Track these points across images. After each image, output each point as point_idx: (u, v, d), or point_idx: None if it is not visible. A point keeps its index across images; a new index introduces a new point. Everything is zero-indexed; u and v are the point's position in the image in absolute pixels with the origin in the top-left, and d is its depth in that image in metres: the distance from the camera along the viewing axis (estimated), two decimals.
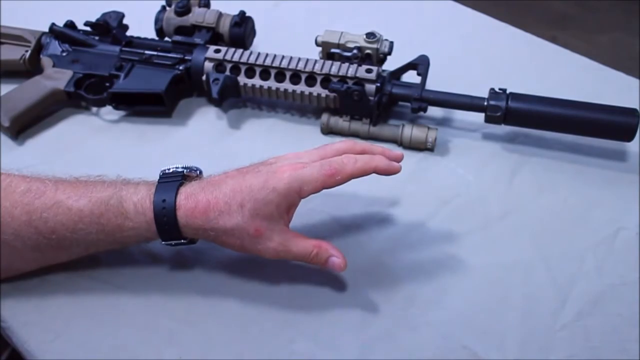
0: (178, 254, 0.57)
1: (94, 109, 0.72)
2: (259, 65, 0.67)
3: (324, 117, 0.67)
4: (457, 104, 0.65)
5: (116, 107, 0.70)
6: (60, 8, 0.80)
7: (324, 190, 0.62)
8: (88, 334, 0.51)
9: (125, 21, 0.74)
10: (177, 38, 0.71)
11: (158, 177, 0.51)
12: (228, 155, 0.66)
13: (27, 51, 0.73)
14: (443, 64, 0.70)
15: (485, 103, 0.63)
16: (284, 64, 0.66)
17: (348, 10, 0.87)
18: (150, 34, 0.74)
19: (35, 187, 0.49)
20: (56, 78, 0.70)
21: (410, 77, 0.68)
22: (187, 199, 0.49)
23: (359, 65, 0.65)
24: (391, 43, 0.68)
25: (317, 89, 0.66)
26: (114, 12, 0.74)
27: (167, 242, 0.50)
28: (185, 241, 0.50)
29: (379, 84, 0.64)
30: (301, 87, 0.66)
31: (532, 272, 0.55)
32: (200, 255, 0.57)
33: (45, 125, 0.70)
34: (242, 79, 0.67)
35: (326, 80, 0.65)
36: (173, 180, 0.50)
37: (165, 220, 0.48)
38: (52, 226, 0.48)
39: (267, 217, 0.48)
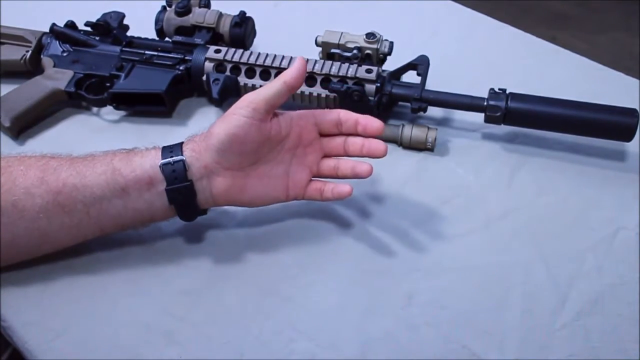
0: (178, 256, 0.57)
1: (95, 109, 0.72)
2: (259, 66, 0.67)
3: None
4: (457, 104, 0.65)
5: (117, 107, 0.70)
6: (61, 8, 0.80)
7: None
8: (88, 334, 0.51)
9: (125, 21, 0.74)
10: (178, 38, 0.72)
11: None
12: None
13: (27, 51, 0.73)
14: (443, 64, 0.70)
15: (485, 103, 0.63)
16: (284, 64, 0.66)
17: (348, 10, 0.87)
18: (151, 34, 0.74)
19: (50, 155, 0.53)
20: (57, 78, 0.70)
21: (410, 77, 0.68)
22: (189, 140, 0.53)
23: (359, 65, 0.65)
24: (391, 43, 0.68)
25: (317, 89, 0.66)
26: (114, 12, 0.74)
27: (166, 169, 0.51)
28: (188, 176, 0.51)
29: (378, 84, 0.64)
30: (301, 87, 0.66)
31: (532, 271, 0.55)
32: (200, 256, 0.57)
33: (45, 126, 0.70)
34: (242, 79, 0.67)
35: (326, 81, 0.65)
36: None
37: (171, 150, 0.52)
38: (63, 179, 0.50)
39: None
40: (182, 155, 0.51)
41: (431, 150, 0.66)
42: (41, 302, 0.53)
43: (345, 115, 0.54)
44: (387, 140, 0.67)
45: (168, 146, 0.53)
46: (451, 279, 0.55)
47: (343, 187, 0.54)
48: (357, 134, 0.54)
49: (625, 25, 1.90)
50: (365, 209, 0.61)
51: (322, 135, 0.56)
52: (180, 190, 0.51)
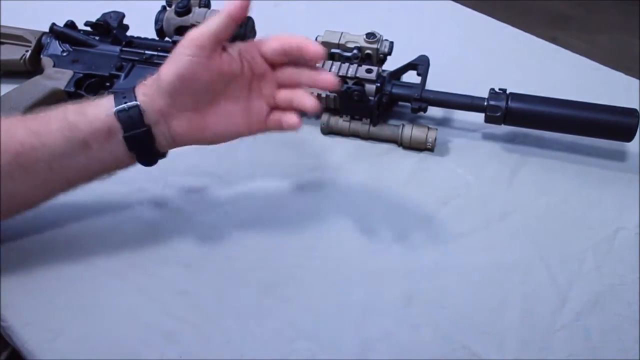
0: (178, 256, 0.57)
1: None
2: None
3: (324, 117, 0.68)
4: (457, 104, 0.65)
5: None
6: (61, 8, 0.80)
7: (324, 191, 0.63)
8: (88, 334, 0.51)
9: (125, 21, 0.74)
10: (178, 38, 0.71)
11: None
12: (228, 156, 0.66)
13: (27, 51, 0.73)
14: (443, 64, 0.70)
15: (485, 103, 0.63)
16: None
17: (348, 10, 0.87)
18: (151, 34, 0.74)
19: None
20: (56, 78, 0.70)
21: (410, 77, 0.68)
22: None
23: (359, 65, 0.65)
24: (391, 43, 0.68)
25: (317, 89, 0.66)
26: (114, 12, 0.74)
27: (122, 116, 0.49)
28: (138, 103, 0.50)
29: (379, 84, 0.64)
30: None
31: (532, 272, 0.55)
32: (200, 256, 0.57)
33: None
34: None
35: None
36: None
37: (124, 95, 0.50)
38: (20, 140, 0.49)
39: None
40: (135, 100, 0.50)
41: (431, 150, 0.66)
42: (41, 303, 0.53)
43: (287, 41, 0.51)
44: (387, 140, 0.67)
45: (121, 91, 0.51)
46: (451, 279, 0.55)
47: (290, 117, 0.52)
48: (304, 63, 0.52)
49: (625, 25, 1.90)
50: (365, 208, 0.61)
51: (272, 65, 0.53)
52: (139, 136, 0.50)
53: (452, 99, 0.65)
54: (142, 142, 0.51)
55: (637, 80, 0.74)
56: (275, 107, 0.53)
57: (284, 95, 0.53)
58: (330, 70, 0.65)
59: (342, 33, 0.68)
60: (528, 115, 0.63)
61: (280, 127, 0.53)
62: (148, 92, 0.51)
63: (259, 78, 0.53)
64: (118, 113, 0.50)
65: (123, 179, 0.55)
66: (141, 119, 0.50)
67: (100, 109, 0.50)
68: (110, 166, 0.52)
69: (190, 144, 0.53)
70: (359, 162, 0.66)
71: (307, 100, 0.52)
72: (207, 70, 0.49)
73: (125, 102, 0.50)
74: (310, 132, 0.69)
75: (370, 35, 0.66)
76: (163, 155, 0.54)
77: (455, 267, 0.56)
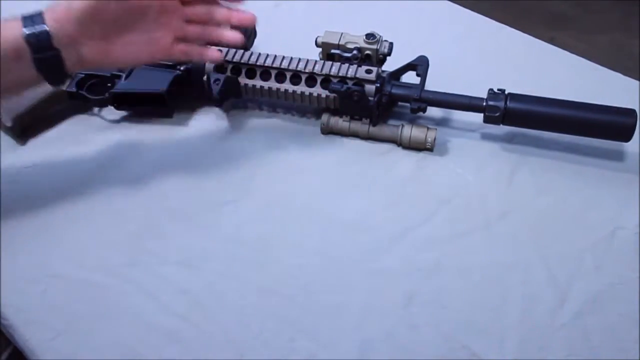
0: (179, 255, 0.57)
1: (96, 109, 0.72)
2: (259, 66, 0.67)
3: (324, 117, 0.68)
4: (456, 104, 0.65)
5: (118, 108, 0.70)
6: None
7: (324, 191, 0.63)
8: (89, 333, 0.51)
9: None
10: None
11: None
12: (228, 156, 0.67)
13: None
14: (442, 65, 0.70)
15: (484, 103, 0.64)
16: (285, 64, 0.66)
17: (348, 10, 0.87)
18: None
19: None
20: None
21: (410, 77, 0.68)
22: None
23: (359, 65, 0.65)
24: (391, 44, 0.68)
25: (317, 90, 0.66)
26: None
27: (31, 39, 0.51)
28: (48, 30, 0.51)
29: (378, 85, 0.64)
30: (301, 88, 0.66)
31: (531, 271, 0.56)
32: (200, 256, 0.57)
33: (47, 125, 0.70)
34: (242, 80, 0.67)
35: (326, 81, 0.65)
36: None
37: (32, 20, 0.51)
38: None
39: None
40: (44, 24, 0.51)
41: (430, 150, 0.67)
42: (42, 301, 0.53)
43: None
44: (386, 140, 0.67)
45: (29, 16, 0.52)
46: (451, 279, 0.55)
47: (214, 52, 0.60)
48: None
49: (624, 26, 1.90)
50: (365, 209, 0.61)
51: (184, 2, 0.57)
52: (48, 59, 0.52)
53: (451, 99, 0.65)
54: (50, 64, 0.52)
55: (635, 81, 0.75)
56: (182, 39, 0.58)
57: (194, 29, 0.59)
58: (330, 71, 0.65)
59: (341, 33, 0.68)
60: (526, 116, 0.63)
61: (187, 57, 0.60)
62: (58, 17, 0.52)
63: (169, 12, 0.56)
64: (27, 37, 0.51)
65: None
66: (50, 42, 0.51)
67: (9, 32, 0.51)
68: (16, 86, 0.54)
69: (95, 67, 0.56)
70: (359, 162, 0.66)
71: (230, 35, 0.59)
72: (117, 2, 0.52)
73: (34, 26, 0.51)
74: (310, 132, 0.69)
75: (370, 36, 0.67)
76: (69, 76, 0.56)
77: (455, 267, 0.56)
